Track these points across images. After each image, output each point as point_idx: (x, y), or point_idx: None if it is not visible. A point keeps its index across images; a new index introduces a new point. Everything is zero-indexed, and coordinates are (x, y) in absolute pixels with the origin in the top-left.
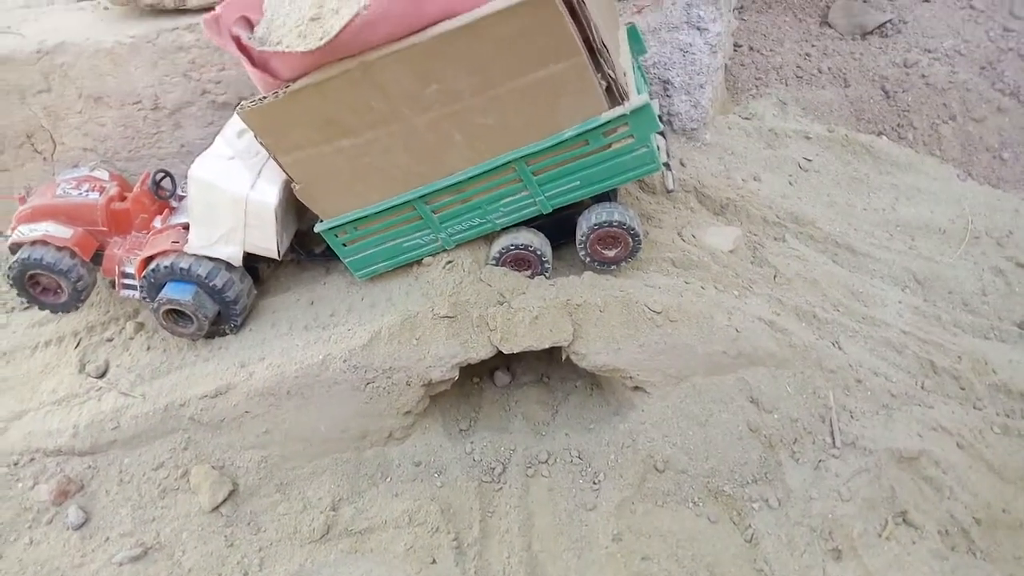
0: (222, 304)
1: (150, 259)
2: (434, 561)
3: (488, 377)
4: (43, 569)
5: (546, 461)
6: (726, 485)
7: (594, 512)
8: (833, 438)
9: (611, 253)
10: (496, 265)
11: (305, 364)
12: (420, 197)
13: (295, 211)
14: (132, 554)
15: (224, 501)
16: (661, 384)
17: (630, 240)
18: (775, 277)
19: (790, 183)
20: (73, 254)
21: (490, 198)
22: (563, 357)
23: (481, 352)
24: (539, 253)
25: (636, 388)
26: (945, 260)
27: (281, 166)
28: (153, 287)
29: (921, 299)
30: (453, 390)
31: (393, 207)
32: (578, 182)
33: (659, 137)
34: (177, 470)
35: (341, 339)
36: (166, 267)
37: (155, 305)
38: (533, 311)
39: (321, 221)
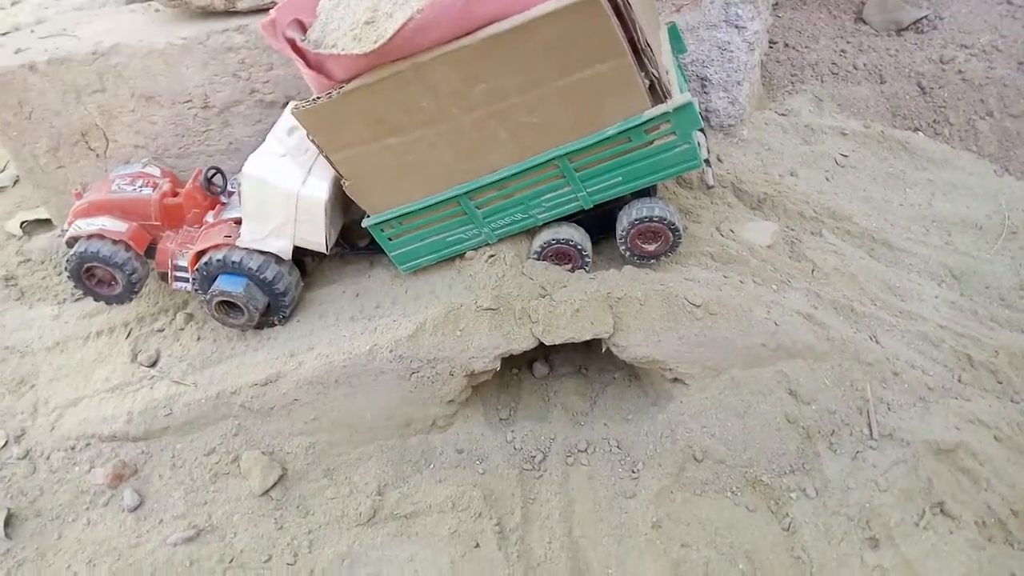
0: (272, 296)
1: (203, 253)
2: (477, 545)
3: (527, 368)
4: (101, 548)
5: (585, 450)
6: (764, 475)
7: (634, 500)
8: (870, 430)
9: (651, 247)
10: (538, 259)
11: (353, 354)
12: (465, 193)
13: (342, 206)
14: (185, 535)
15: (274, 485)
16: (700, 376)
17: (670, 235)
18: (813, 271)
19: (827, 179)
20: (128, 247)
21: (533, 194)
22: (603, 349)
23: (523, 344)
24: (580, 247)
25: (675, 380)
26: (982, 255)
27: (331, 163)
28: (206, 279)
29: (958, 294)
30: (493, 381)
31: (438, 203)
32: (620, 178)
33: (699, 134)
34: (228, 455)
35: (387, 330)
36: (218, 260)
37: (208, 297)
38: (575, 304)
39: (368, 216)
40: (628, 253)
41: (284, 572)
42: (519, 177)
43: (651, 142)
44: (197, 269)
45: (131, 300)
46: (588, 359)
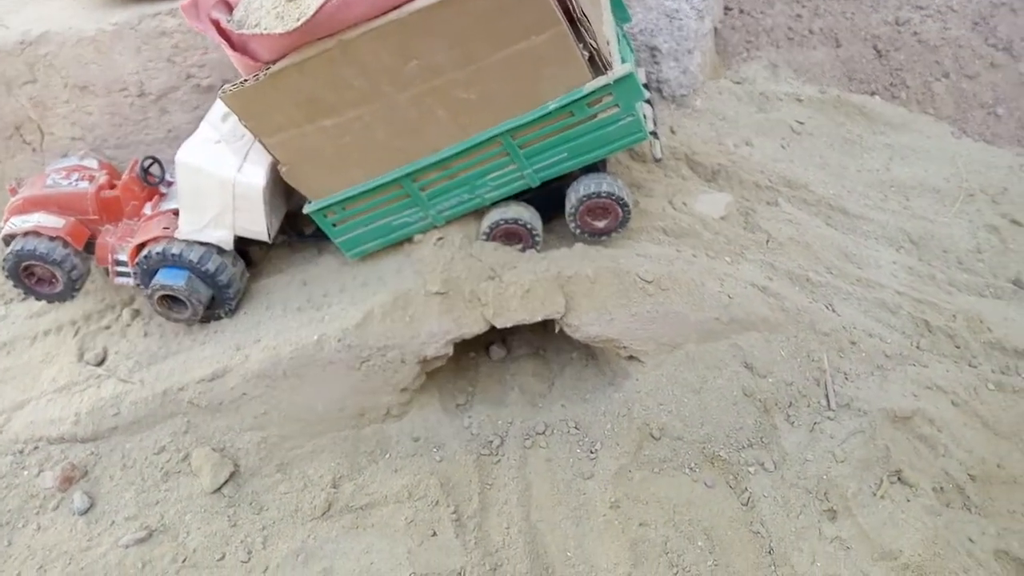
0: (215, 288)
1: (142, 246)
2: (435, 534)
3: (484, 351)
4: (51, 554)
5: (543, 432)
6: (722, 450)
7: (592, 481)
8: (828, 400)
9: (601, 224)
10: (487, 240)
11: (300, 345)
12: (407, 175)
13: (283, 193)
14: (137, 536)
15: (226, 482)
16: (655, 353)
17: (619, 210)
18: (767, 242)
19: (782, 147)
20: (66, 243)
21: (477, 173)
22: (556, 329)
23: (474, 327)
24: (529, 227)
25: (630, 358)
26: (940, 219)
27: (266, 148)
28: (146, 274)
29: (916, 259)
30: (449, 365)
31: (380, 186)
32: (565, 154)
33: (646, 106)
34: (178, 453)
35: (334, 319)
36: (158, 253)
37: (149, 291)
38: (524, 285)
39: (309, 202)
40: (578, 231)
41: (238, 570)
42: (462, 156)
43: (594, 116)
44: (137, 263)
45: (73, 297)
46: (545, 340)
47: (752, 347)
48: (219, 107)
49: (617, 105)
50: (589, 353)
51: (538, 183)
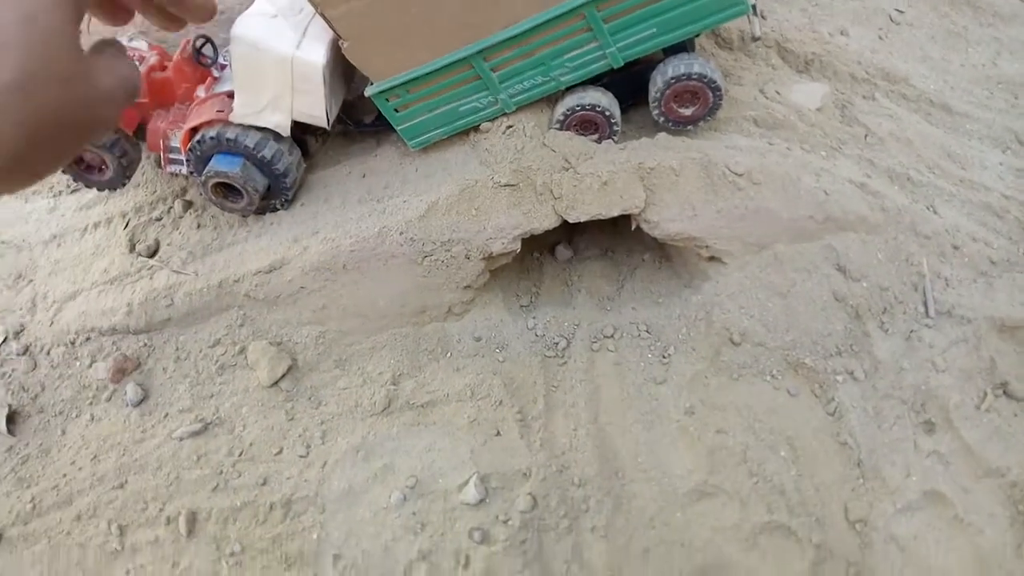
0: (272, 176)
1: (195, 130)
2: (498, 433)
3: (549, 252)
4: (105, 444)
5: (612, 336)
6: (807, 357)
7: (664, 386)
8: (926, 307)
9: (688, 112)
10: (560, 128)
11: (360, 237)
12: (478, 53)
13: (343, 76)
14: (192, 429)
15: (283, 376)
16: (740, 253)
17: (711, 95)
18: (866, 137)
19: (880, 37)
20: (116, 128)
21: (555, 52)
22: (632, 227)
23: (545, 222)
24: (608, 114)
25: (711, 258)
26: None
27: (328, 21)
28: (200, 160)
29: (1023, 161)
30: (513, 265)
31: (448, 66)
32: (654, 29)
33: None
34: (234, 347)
35: (396, 211)
36: (212, 138)
37: (203, 179)
38: (602, 176)
39: (371, 84)
40: (662, 118)
41: (296, 464)
42: (539, 31)
43: None
44: (190, 149)
45: (124, 185)
46: (615, 241)
47: (847, 248)
48: None
49: None
50: (663, 255)
51: (621, 64)
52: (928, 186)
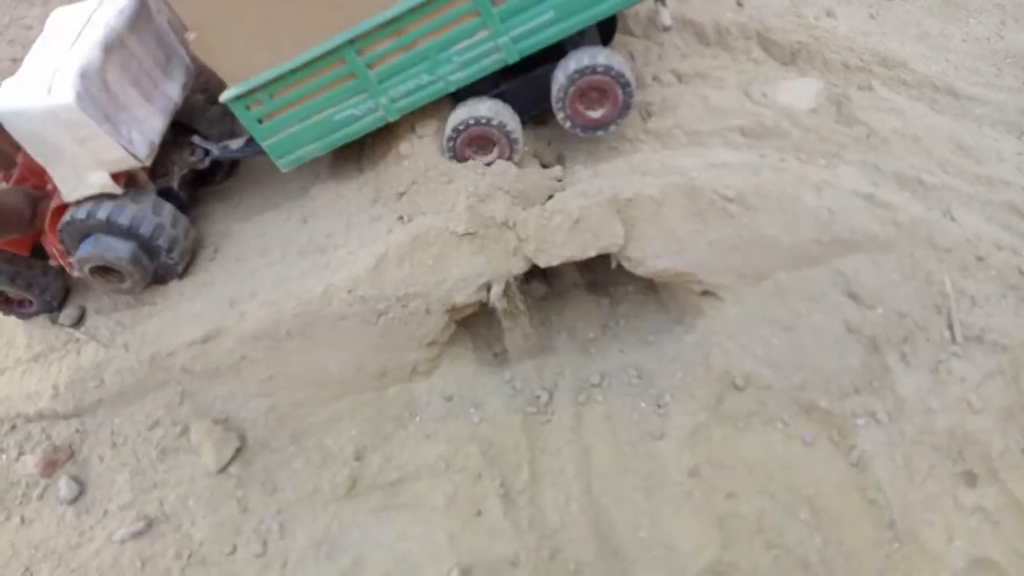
0: (142, 242)
1: (55, 223)
2: (479, 513)
3: (523, 288)
4: (38, 552)
5: (599, 384)
6: (822, 399)
7: (663, 441)
8: (952, 332)
9: (597, 114)
10: (451, 149)
11: (303, 299)
12: (349, 43)
13: (153, 96)
14: (134, 529)
15: (232, 459)
16: (736, 286)
17: (620, 92)
18: (868, 137)
19: (871, 16)
20: (10, 258)
21: (440, 43)
22: (613, 264)
23: (512, 268)
24: (505, 128)
25: (705, 293)
26: None
27: (170, 3)
28: (72, 241)
29: None
30: (483, 308)
31: (317, 60)
32: (551, 13)
33: None
34: (175, 427)
35: (342, 265)
36: (80, 219)
37: (77, 263)
38: (572, 213)
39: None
40: (569, 122)
41: (252, 566)
42: (419, 16)
43: None
44: (59, 231)
45: (56, 309)
46: (595, 271)
47: (857, 272)
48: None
49: None
50: (650, 285)
51: (517, 57)
52: (943, 189)
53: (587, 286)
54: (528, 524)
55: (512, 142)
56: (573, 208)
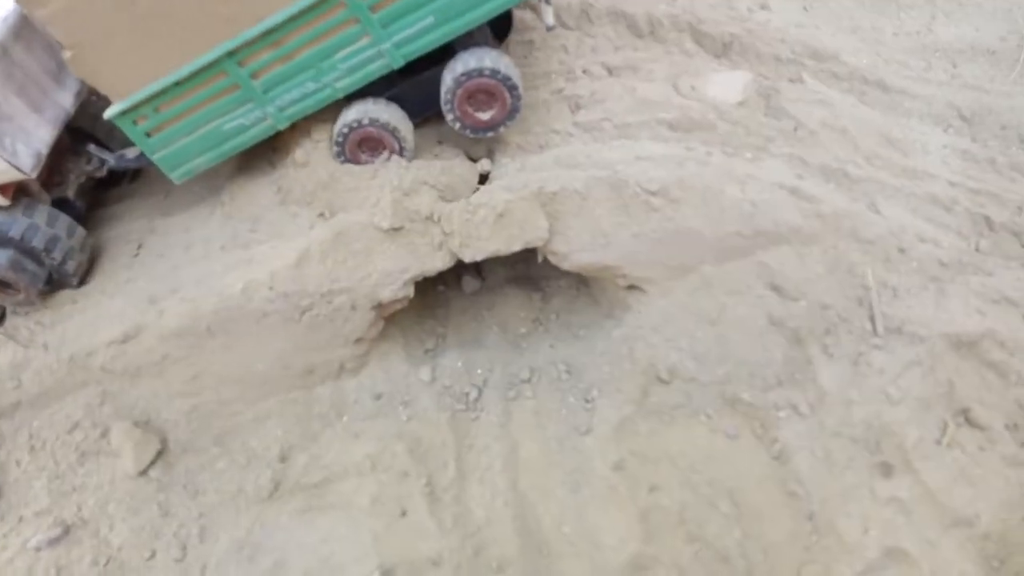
0: (25, 250)
1: None
2: (404, 513)
3: (455, 282)
4: None
5: (529, 380)
6: (745, 392)
7: (589, 436)
8: (874, 324)
9: (486, 116)
10: (340, 153)
11: (224, 295)
12: (229, 55)
13: (44, 106)
14: (51, 535)
15: (153, 462)
16: (662, 279)
17: (508, 95)
18: (795, 130)
19: (805, 8)
20: None
21: (322, 50)
22: (539, 259)
23: (438, 263)
24: (392, 129)
25: (631, 287)
26: (996, 88)
27: (39, 24)
28: None
29: (969, 139)
30: (414, 304)
31: (199, 73)
32: (432, 18)
33: None
34: (95, 429)
35: (264, 260)
36: None
37: None
38: (497, 207)
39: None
40: (459, 124)
41: (171, 570)
42: (298, 25)
43: None
44: None
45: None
46: (527, 265)
47: (781, 264)
48: None
49: None
50: (581, 279)
51: (402, 63)
52: (868, 181)
53: (519, 280)
54: (453, 522)
55: (401, 142)
56: (498, 202)
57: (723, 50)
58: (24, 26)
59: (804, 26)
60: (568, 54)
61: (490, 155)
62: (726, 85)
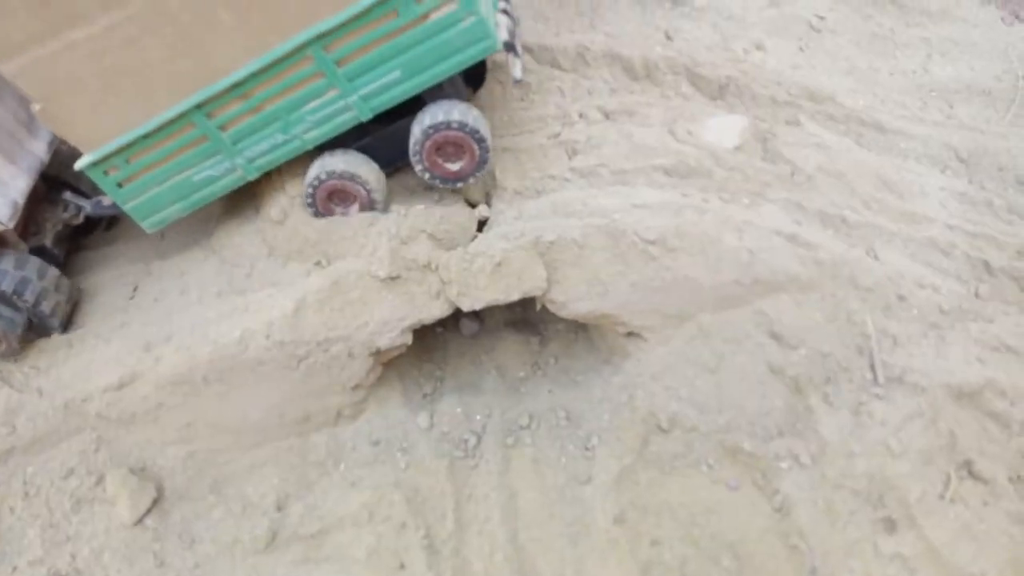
0: (3, 300)
1: None
2: (402, 566)
3: (453, 324)
4: None
5: (528, 426)
6: (746, 441)
7: (589, 486)
8: (874, 373)
9: (455, 167)
10: (311, 204)
11: (220, 344)
12: (197, 107)
13: (10, 150)
14: None
15: (149, 510)
16: (660, 327)
17: (476, 148)
18: (792, 175)
19: (801, 49)
20: None
21: (290, 103)
22: (538, 307)
23: (435, 311)
24: (361, 181)
25: (630, 334)
26: (992, 128)
27: (7, 78)
28: None
29: (966, 181)
30: (412, 347)
31: (167, 125)
32: (398, 72)
33: (501, 16)
34: (90, 477)
35: (260, 308)
36: None
37: None
38: (495, 256)
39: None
40: (428, 174)
41: None
42: (264, 79)
43: (426, 15)
44: None
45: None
46: (525, 308)
47: (780, 313)
48: None
49: (455, 2)
50: (579, 324)
51: (370, 115)
52: (866, 226)
53: (517, 324)
54: None
55: (370, 194)
56: (495, 251)
57: (719, 92)
58: None
59: (800, 67)
60: (564, 97)
61: (487, 199)
62: (722, 129)
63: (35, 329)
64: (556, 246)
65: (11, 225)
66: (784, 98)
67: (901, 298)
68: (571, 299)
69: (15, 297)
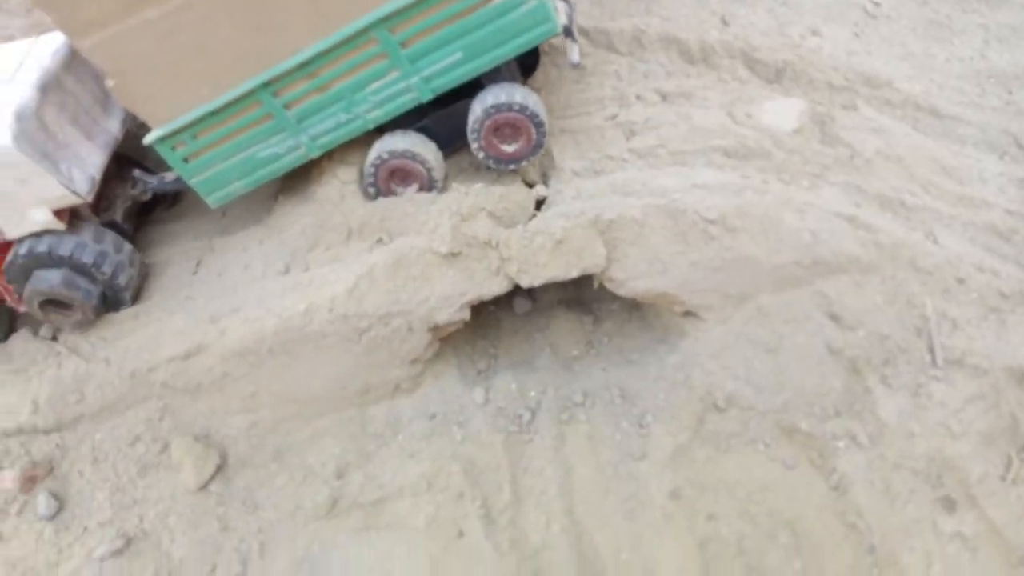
0: (79, 268)
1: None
2: (461, 534)
3: (507, 302)
4: (16, 570)
5: (582, 403)
6: (803, 421)
7: (645, 462)
8: (933, 355)
9: (511, 148)
10: (372, 184)
11: (285, 317)
12: (264, 85)
13: (94, 132)
14: (114, 547)
15: (212, 477)
16: (719, 307)
17: (533, 131)
18: (851, 158)
19: (856, 35)
20: None
21: (354, 84)
22: (595, 285)
23: (495, 287)
24: (422, 160)
25: (687, 313)
26: None
27: (85, 55)
28: (20, 279)
29: None
30: (466, 323)
31: (234, 102)
32: (460, 54)
33: (559, 0)
34: (156, 444)
35: (323, 283)
36: (23, 254)
37: (26, 300)
38: (555, 233)
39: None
40: (483, 154)
41: None
42: (330, 59)
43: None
44: (5, 271)
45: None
46: (579, 287)
47: (840, 294)
48: None
49: None
50: (633, 303)
51: (431, 96)
52: (925, 210)
53: (571, 303)
54: (509, 545)
55: (430, 172)
56: (556, 229)
57: (776, 76)
58: (74, 57)
59: (856, 52)
60: (621, 80)
61: (544, 180)
62: (781, 113)
63: (108, 301)
64: (616, 224)
65: (89, 199)
66: (841, 83)
67: (960, 281)
68: (630, 277)
69: (94, 269)
